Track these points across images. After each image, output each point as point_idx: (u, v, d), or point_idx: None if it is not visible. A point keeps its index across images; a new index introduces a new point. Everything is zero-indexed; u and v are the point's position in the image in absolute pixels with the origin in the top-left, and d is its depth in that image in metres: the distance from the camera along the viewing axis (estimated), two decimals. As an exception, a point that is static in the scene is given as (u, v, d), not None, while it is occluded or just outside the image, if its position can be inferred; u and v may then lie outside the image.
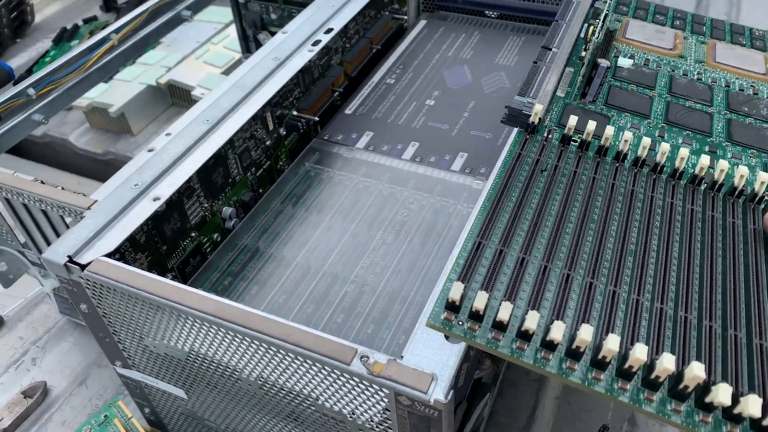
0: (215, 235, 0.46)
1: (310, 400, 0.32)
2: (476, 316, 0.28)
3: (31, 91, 0.50)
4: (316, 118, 0.52)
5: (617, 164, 0.38)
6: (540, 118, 0.39)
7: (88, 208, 0.38)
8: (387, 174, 0.49)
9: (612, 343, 0.26)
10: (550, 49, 0.48)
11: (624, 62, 0.49)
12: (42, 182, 0.41)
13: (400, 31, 0.66)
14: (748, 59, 0.51)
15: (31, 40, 0.99)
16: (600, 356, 0.27)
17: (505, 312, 0.27)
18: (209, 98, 0.46)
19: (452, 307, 0.28)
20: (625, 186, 0.36)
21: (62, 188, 0.40)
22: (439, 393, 0.27)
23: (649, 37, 0.53)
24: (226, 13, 0.89)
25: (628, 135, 0.37)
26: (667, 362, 0.25)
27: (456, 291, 0.28)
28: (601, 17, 0.49)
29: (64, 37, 0.92)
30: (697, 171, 0.36)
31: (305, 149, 0.53)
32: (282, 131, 0.51)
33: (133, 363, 0.40)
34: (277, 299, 0.41)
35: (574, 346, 0.27)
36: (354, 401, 0.30)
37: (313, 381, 0.31)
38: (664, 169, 0.38)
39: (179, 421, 0.45)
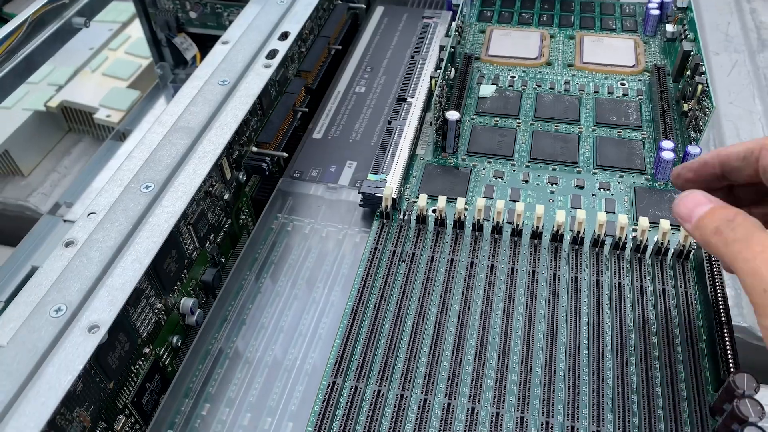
0: (175, 339, 0.33)
1: None
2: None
3: None
4: (285, 155, 0.40)
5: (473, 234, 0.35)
6: (393, 199, 0.36)
7: (-13, 360, 0.25)
8: (387, 218, 0.38)
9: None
10: (405, 100, 0.43)
11: (486, 90, 0.44)
12: None
13: (354, 23, 0.54)
14: (616, 51, 0.47)
15: None
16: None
17: None
18: (141, 149, 0.33)
19: None
20: (488, 260, 0.34)
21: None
22: None
23: (513, 48, 0.48)
24: (122, 9, 0.73)
25: (480, 202, 0.34)
26: None
27: None
28: (443, 64, 0.41)
29: None
30: (574, 228, 0.34)
31: (272, 195, 0.41)
32: (241, 176, 0.39)
33: None
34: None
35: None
36: None
37: None
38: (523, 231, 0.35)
39: None
